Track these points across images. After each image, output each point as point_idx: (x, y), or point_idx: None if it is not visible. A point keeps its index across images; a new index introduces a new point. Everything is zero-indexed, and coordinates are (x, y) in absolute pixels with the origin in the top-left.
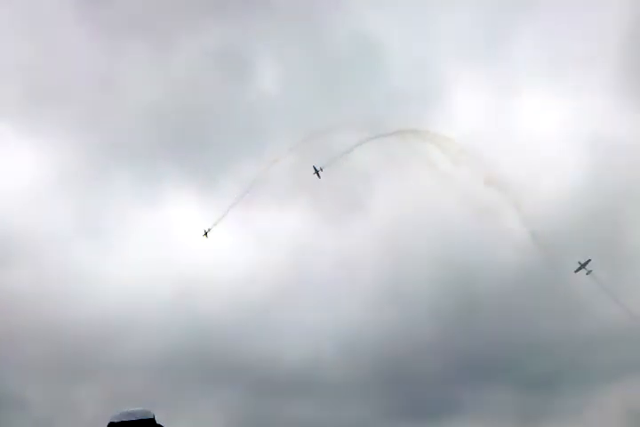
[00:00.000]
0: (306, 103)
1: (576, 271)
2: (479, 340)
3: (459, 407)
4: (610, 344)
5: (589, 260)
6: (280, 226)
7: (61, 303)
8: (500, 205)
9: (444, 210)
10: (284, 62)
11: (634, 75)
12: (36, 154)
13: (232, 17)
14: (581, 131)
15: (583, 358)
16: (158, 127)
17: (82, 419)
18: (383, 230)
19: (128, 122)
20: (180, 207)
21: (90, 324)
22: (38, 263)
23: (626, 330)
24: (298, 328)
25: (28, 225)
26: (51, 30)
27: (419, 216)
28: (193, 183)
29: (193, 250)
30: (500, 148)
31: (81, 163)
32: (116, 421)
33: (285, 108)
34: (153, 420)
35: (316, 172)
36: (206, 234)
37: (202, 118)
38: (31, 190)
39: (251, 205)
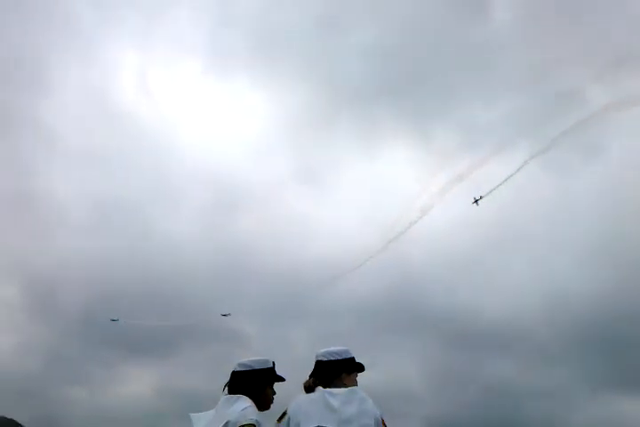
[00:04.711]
0: (541, 41)
1: None
2: None
3: None
4: None
5: None
6: (496, 175)
7: (279, 247)
8: None
9: None
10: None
11: None
12: (265, 105)
13: None
14: None
15: None
16: (381, 69)
17: (293, 355)
18: (611, 181)
19: (352, 66)
20: (395, 155)
21: (302, 266)
22: (262, 208)
23: None
24: (503, 282)
25: (255, 172)
26: None
27: None
28: (410, 130)
29: (404, 198)
30: None
31: (304, 110)
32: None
33: (519, 47)
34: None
35: None
36: (477, 202)
37: (429, 59)
38: (258, 139)
39: (467, 152)
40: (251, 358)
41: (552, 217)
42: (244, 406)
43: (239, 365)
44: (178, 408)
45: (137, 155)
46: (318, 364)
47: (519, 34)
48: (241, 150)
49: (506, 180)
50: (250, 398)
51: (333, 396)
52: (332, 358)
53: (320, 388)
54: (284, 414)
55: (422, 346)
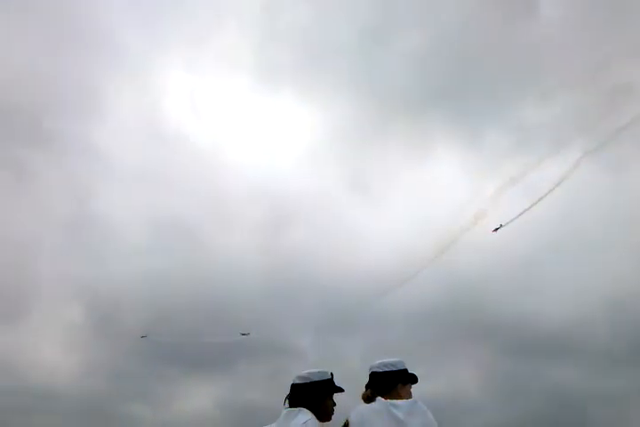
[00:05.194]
0: (592, 37)
1: None
2: None
3: None
4: None
5: None
6: (551, 177)
7: (331, 259)
8: None
9: None
10: None
11: None
12: (312, 117)
13: None
14: None
15: None
16: (428, 74)
17: (348, 368)
18: None
19: (397, 73)
20: (446, 161)
21: (355, 277)
22: (312, 223)
23: None
24: (561, 285)
25: (303, 187)
26: None
27: None
28: (460, 134)
29: (457, 204)
30: None
31: (351, 121)
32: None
33: (570, 43)
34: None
35: None
36: (497, 230)
37: (477, 60)
38: (306, 153)
39: (520, 153)
40: (309, 371)
41: (611, 217)
42: (305, 419)
43: (298, 377)
44: (239, 423)
45: (189, 174)
46: (373, 375)
47: (570, 30)
48: (291, 164)
49: (560, 182)
50: (310, 410)
51: (397, 407)
52: (387, 369)
53: (381, 398)
54: (346, 424)
55: (479, 355)
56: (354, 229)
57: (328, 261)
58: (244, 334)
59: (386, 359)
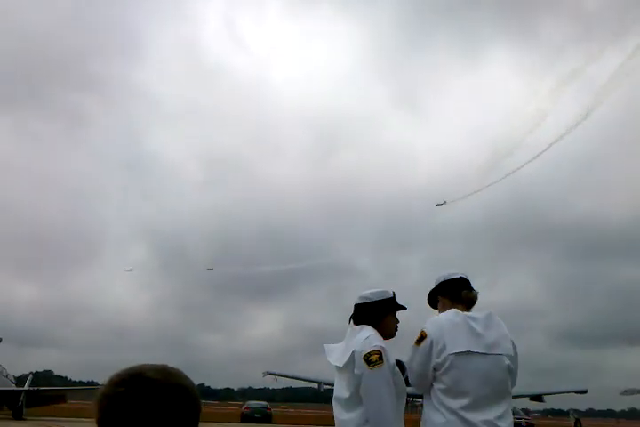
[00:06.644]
0: None
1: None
2: None
3: None
4: None
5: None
6: (613, 68)
7: (383, 179)
8: None
9: None
10: None
11: None
12: (354, 31)
13: None
14: None
15: None
16: None
17: (408, 284)
18: None
19: None
20: (499, 62)
21: (410, 196)
22: (360, 143)
23: None
24: (626, 182)
25: (348, 107)
26: None
27: None
28: (512, 29)
29: (514, 108)
30: None
31: (391, 31)
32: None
33: None
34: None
35: None
36: (440, 205)
37: None
38: (348, 72)
39: (578, 44)
40: (370, 290)
41: None
42: (367, 334)
43: (360, 297)
44: (305, 344)
45: (235, 104)
46: (452, 281)
47: None
48: (334, 85)
49: (623, 74)
50: (373, 327)
51: (475, 320)
52: (452, 278)
53: (455, 310)
54: (424, 337)
55: (541, 260)
56: (407, 143)
57: (381, 181)
58: (209, 269)
59: (448, 271)
